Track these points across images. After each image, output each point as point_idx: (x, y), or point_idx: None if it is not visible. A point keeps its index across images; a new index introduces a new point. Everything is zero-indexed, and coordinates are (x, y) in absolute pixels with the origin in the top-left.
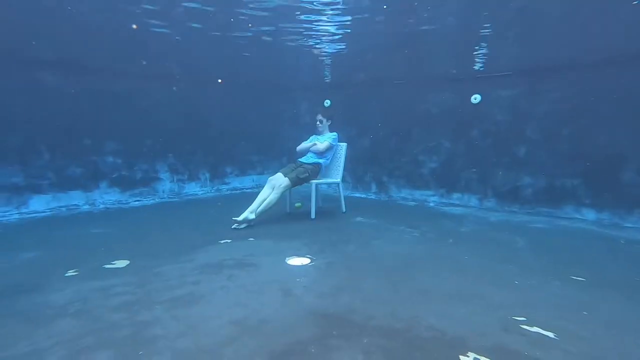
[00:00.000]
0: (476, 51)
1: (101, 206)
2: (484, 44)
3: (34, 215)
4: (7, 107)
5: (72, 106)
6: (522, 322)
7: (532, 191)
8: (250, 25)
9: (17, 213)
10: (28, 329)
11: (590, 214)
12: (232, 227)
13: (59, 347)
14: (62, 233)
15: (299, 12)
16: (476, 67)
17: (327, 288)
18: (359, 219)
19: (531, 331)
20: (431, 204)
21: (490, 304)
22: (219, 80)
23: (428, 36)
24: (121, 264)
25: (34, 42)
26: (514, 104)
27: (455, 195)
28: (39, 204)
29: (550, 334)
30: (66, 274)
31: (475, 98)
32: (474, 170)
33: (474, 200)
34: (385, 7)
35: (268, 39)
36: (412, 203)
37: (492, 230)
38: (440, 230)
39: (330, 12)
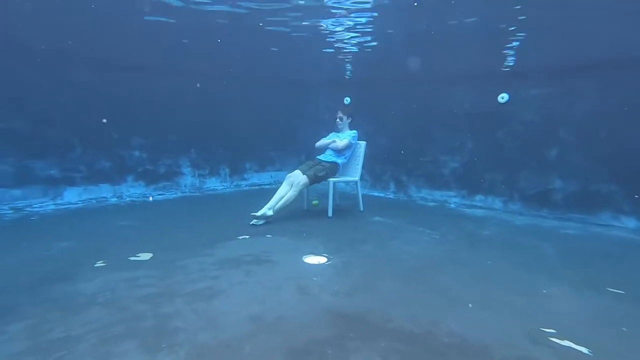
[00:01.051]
0: (505, 48)
1: (127, 199)
2: (514, 40)
3: (68, 206)
4: (47, 104)
5: (102, 102)
6: (552, 335)
7: (564, 195)
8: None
9: (53, 204)
10: (62, 316)
11: (630, 222)
12: (251, 222)
13: (91, 334)
14: (92, 224)
15: (322, 9)
16: (505, 65)
17: (344, 287)
18: (376, 218)
19: (562, 345)
20: (452, 205)
21: (516, 312)
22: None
23: (453, 32)
24: (145, 256)
25: (70, 42)
26: (545, 104)
27: (478, 197)
28: (72, 196)
29: (584, 350)
30: (95, 265)
31: (503, 97)
32: (499, 171)
33: (498, 203)
34: (415, 4)
35: (287, 29)
36: (432, 203)
37: (517, 234)
38: (462, 232)
39: (354, 9)
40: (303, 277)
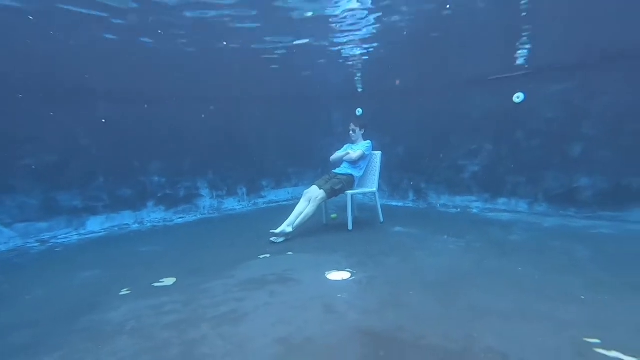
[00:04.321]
0: (517, 46)
1: (148, 224)
2: (525, 37)
3: (91, 235)
4: (70, 138)
5: (121, 131)
6: (597, 345)
7: (592, 193)
8: (225, 43)
9: (77, 234)
10: (91, 346)
11: None
12: (270, 239)
13: None
14: (116, 252)
15: (331, 24)
16: (518, 64)
17: (370, 304)
18: (398, 228)
19: (609, 356)
20: (475, 211)
21: (555, 323)
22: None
23: (462, 33)
24: (169, 281)
25: (86, 76)
26: (565, 100)
27: (501, 200)
28: (95, 225)
29: None
30: (120, 293)
31: (518, 97)
32: (521, 173)
33: (522, 205)
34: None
35: (301, 43)
36: (454, 210)
37: (547, 237)
38: (488, 239)
39: (362, 21)
40: (328, 295)
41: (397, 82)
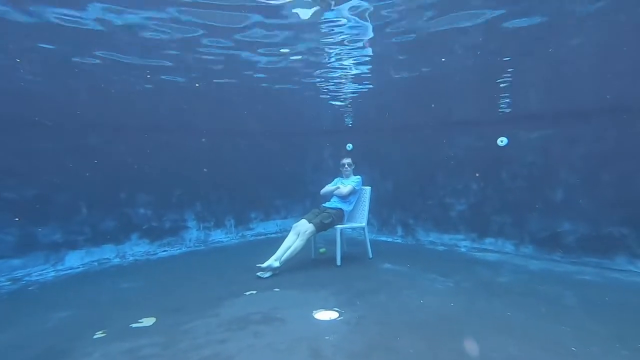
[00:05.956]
0: (499, 95)
1: (130, 258)
2: (506, 89)
3: (69, 271)
4: (53, 171)
5: (107, 163)
6: None
7: (575, 238)
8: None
9: (53, 270)
10: None
11: None
12: (257, 274)
13: None
14: (93, 289)
15: (322, 61)
16: (500, 110)
17: (358, 347)
18: (386, 265)
19: None
20: (462, 249)
21: None
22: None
23: (449, 80)
24: (148, 321)
25: (78, 112)
26: (544, 146)
27: (488, 240)
28: (74, 260)
29: None
30: (95, 336)
31: (502, 141)
32: (506, 214)
33: (509, 246)
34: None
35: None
36: (442, 247)
37: (534, 281)
38: (476, 279)
39: (352, 62)
40: (315, 337)
41: (387, 114)
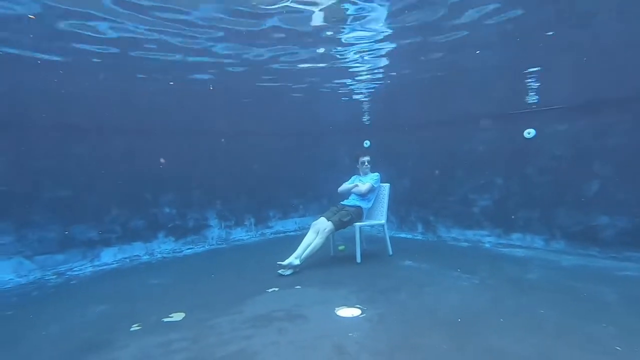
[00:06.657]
0: (527, 85)
1: (158, 255)
2: (533, 79)
3: (104, 267)
4: (86, 173)
5: (135, 165)
6: None
7: (615, 232)
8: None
9: (91, 266)
10: None
11: None
12: (278, 271)
13: None
14: (126, 285)
15: (338, 60)
16: (528, 101)
17: (382, 345)
18: (407, 262)
19: None
20: (487, 245)
21: None
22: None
23: (474, 72)
24: (178, 316)
25: (107, 116)
26: (575, 138)
27: (515, 236)
28: (108, 257)
29: None
30: (131, 329)
31: (529, 132)
32: (533, 208)
33: (538, 241)
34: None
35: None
36: (465, 244)
37: (567, 277)
38: (503, 276)
39: (369, 57)
40: (338, 334)
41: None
